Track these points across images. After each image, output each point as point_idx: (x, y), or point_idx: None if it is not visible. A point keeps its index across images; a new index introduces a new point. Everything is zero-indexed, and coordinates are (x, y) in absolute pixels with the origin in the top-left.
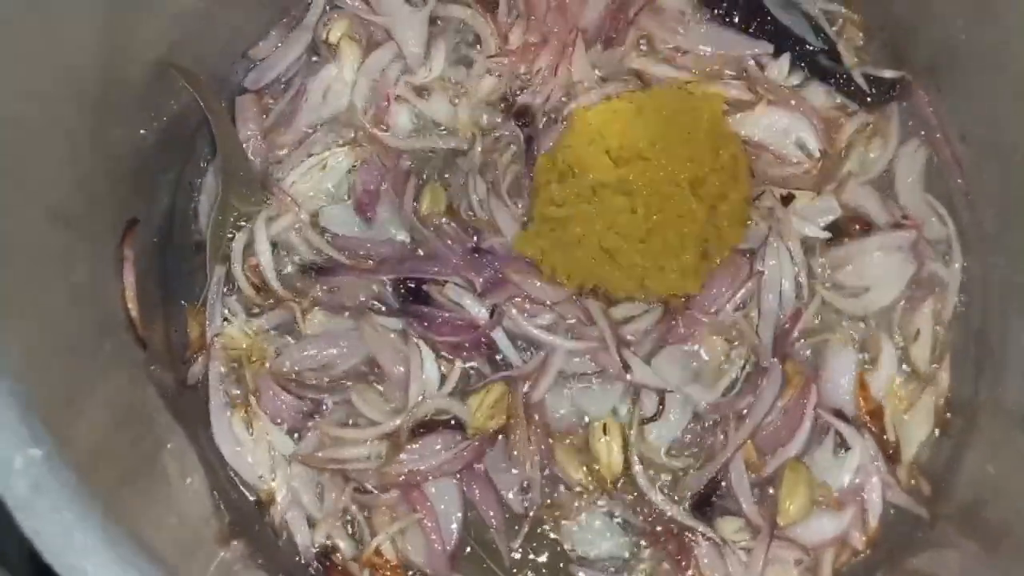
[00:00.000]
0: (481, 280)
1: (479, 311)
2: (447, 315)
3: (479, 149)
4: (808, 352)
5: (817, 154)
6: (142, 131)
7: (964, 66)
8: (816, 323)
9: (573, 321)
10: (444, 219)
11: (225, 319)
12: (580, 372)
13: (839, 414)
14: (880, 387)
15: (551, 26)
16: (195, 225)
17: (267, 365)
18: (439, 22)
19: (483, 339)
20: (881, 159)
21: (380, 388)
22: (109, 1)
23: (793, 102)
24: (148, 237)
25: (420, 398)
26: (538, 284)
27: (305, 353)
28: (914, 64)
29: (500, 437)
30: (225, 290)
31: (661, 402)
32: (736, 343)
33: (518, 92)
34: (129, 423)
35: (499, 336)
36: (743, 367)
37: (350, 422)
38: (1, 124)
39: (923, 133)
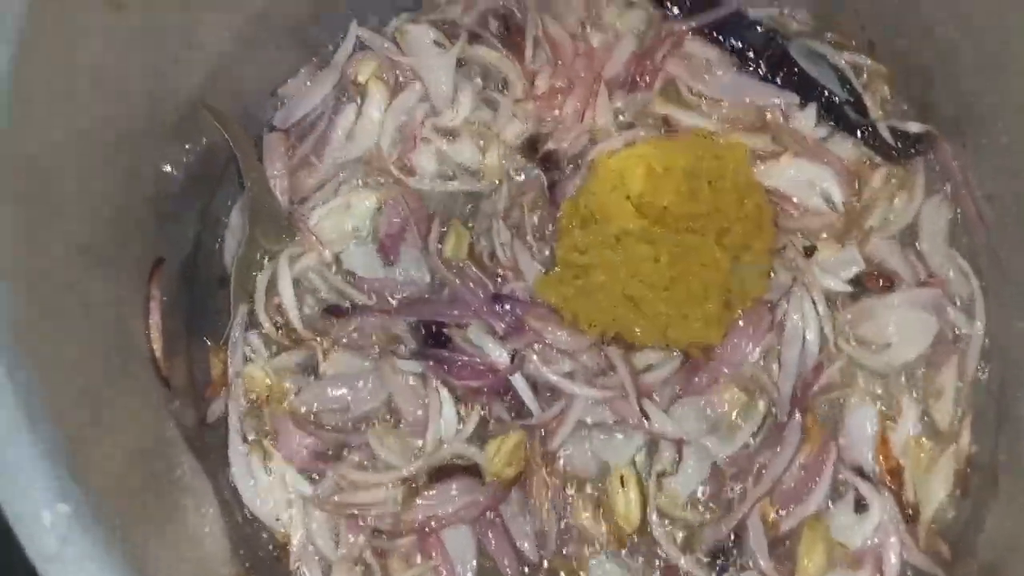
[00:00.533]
0: (503, 325)
1: (500, 356)
2: (467, 359)
3: (504, 193)
4: (828, 407)
5: (841, 207)
6: (170, 167)
7: (989, 122)
8: (837, 378)
9: (593, 368)
10: (466, 262)
11: (247, 358)
12: (599, 421)
13: (859, 471)
14: (901, 445)
15: (578, 71)
16: (220, 261)
17: (286, 405)
18: (466, 65)
19: (503, 384)
20: (906, 213)
21: (399, 431)
22: (147, 47)
23: (818, 153)
24: (173, 272)
25: (438, 443)
26: (559, 332)
27: (325, 394)
28: (940, 119)
29: (517, 485)
30: (248, 328)
31: (679, 452)
32: (755, 395)
33: (544, 136)
34: (150, 461)
35: (519, 382)
36: (762, 420)
37: (368, 465)
38: (38, 164)
39: (948, 188)
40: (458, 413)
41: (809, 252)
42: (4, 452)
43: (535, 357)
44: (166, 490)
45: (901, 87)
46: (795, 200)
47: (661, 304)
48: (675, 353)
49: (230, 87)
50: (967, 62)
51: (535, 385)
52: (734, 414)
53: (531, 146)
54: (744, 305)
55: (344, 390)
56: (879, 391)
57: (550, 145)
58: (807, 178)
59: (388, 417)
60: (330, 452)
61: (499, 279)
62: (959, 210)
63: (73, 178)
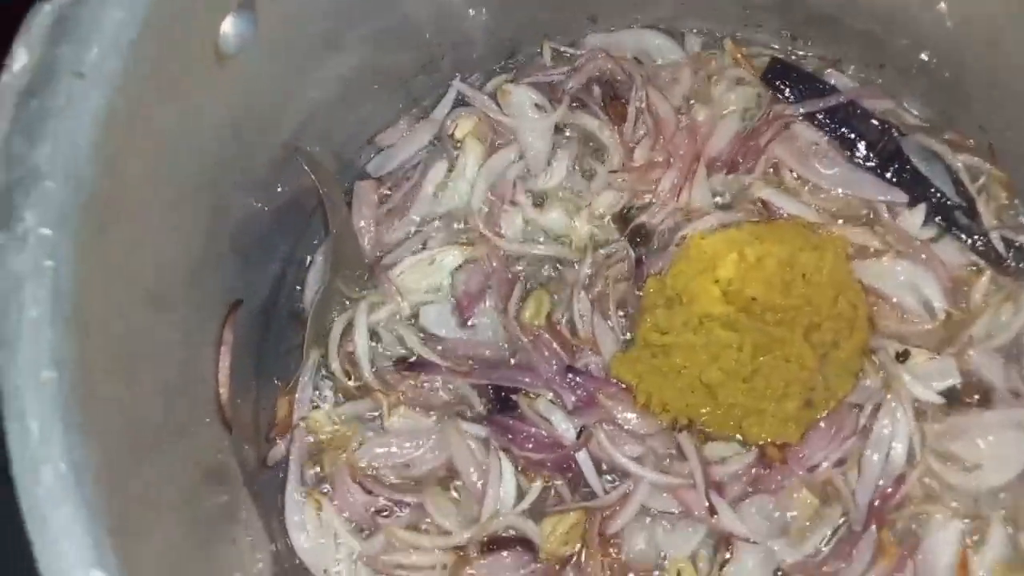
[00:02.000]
0: (573, 399)
1: (567, 430)
2: (533, 430)
3: (589, 263)
4: (908, 521)
5: (942, 315)
6: (258, 208)
7: None
8: (920, 493)
9: (662, 453)
10: (543, 330)
11: (314, 403)
12: (663, 509)
13: None
14: (983, 570)
15: (678, 147)
16: (300, 302)
17: (346, 456)
18: (566, 130)
19: (566, 460)
20: (1011, 327)
21: (455, 496)
22: (245, 96)
23: (923, 256)
24: (251, 310)
25: (495, 512)
26: (630, 413)
27: (386, 449)
28: None
29: (571, 565)
30: (318, 373)
31: (730, 549)
32: (830, 502)
33: (636, 209)
34: (208, 501)
35: (583, 459)
36: (835, 529)
37: (421, 527)
38: (116, 206)
39: None
40: (518, 484)
41: (903, 357)
42: (48, 514)
43: (603, 436)
44: (222, 532)
45: (1020, 194)
46: (894, 302)
47: (739, 395)
48: (749, 448)
49: (326, 132)
50: None
51: (599, 464)
52: (805, 519)
53: (622, 218)
54: (828, 406)
55: (406, 447)
56: (964, 510)
57: (642, 219)
58: (909, 281)
59: (447, 479)
60: (384, 509)
61: (575, 351)
62: None
63: (152, 220)
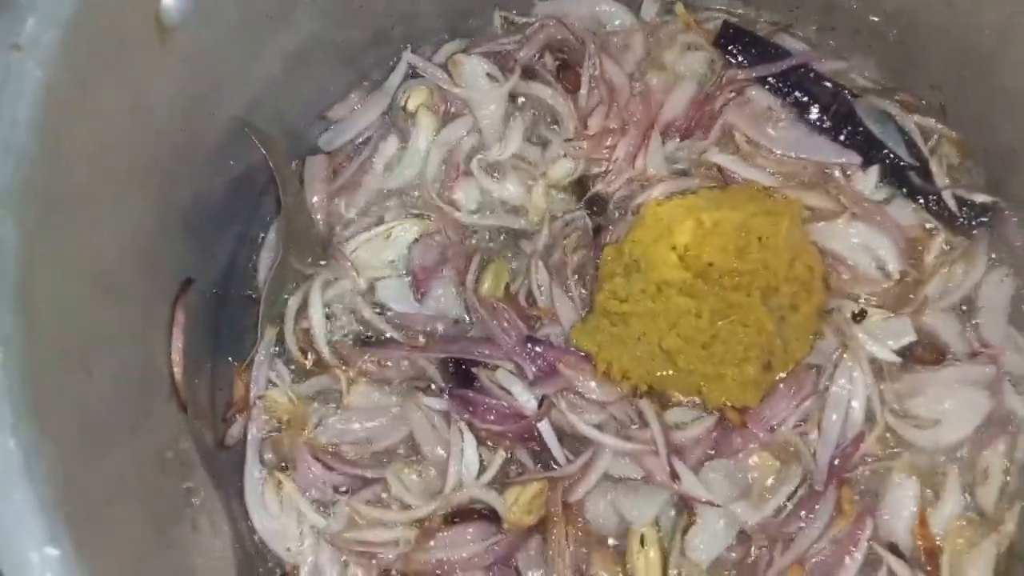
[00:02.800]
0: (534, 369)
1: (527, 401)
2: (494, 401)
3: (545, 233)
4: (868, 478)
5: (896, 275)
6: (208, 186)
7: None
8: (879, 450)
9: (623, 421)
10: (501, 302)
11: (270, 382)
12: (625, 476)
13: (893, 548)
14: (941, 525)
15: (632, 114)
16: (253, 280)
17: (305, 434)
18: (519, 99)
19: (528, 430)
20: (964, 285)
21: (417, 470)
22: (191, 66)
23: (877, 217)
24: (203, 289)
25: (457, 485)
26: (590, 382)
27: (346, 426)
28: (1009, 191)
29: (535, 534)
30: (275, 351)
31: (691, 513)
32: (791, 462)
33: (592, 178)
34: (165, 483)
35: (545, 429)
36: (795, 489)
37: (383, 502)
38: (60, 188)
39: (1012, 263)
40: (480, 456)
41: (859, 317)
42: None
43: (564, 405)
44: (178, 508)
45: (972, 154)
46: (849, 263)
47: (698, 361)
48: (709, 412)
49: (276, 106)
50: None
51: (561, 433)
52: (767, 480)
53: (578, 187)
54: (786, 368)
55: (366, 423)
56: (922, 466)
57: (598, 187)
58: (863, 242)
59: (408, 454)
60: (345, 486)
61: (534, 322)
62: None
63: (100, 199)
